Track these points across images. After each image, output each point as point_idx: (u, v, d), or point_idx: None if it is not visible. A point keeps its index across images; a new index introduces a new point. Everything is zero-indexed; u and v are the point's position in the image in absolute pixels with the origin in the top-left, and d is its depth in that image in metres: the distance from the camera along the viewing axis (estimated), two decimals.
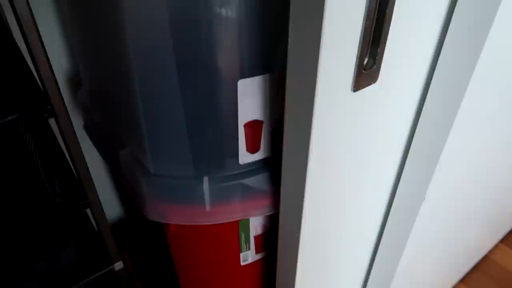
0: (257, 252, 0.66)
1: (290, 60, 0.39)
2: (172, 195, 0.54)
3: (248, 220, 0.60)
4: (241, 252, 0.64)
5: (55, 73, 0.72)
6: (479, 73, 0.47)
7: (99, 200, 0.46)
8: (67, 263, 0.49)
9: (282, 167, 0.48)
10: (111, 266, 0.50)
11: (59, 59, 0.73)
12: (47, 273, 0.48)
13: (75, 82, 0.75)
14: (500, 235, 1.42)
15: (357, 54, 0.38)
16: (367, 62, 0.40)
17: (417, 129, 0.57)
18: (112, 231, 1.02)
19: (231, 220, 0.57)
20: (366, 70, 0.40)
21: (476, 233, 1.15)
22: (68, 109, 0.77)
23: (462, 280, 1.28)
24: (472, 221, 1.03)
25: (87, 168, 0.44)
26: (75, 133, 0.42)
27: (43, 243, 0.48)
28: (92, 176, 0.88)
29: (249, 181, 0.54)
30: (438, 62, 0.49)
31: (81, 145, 0.77)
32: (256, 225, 0.62)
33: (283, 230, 0.55)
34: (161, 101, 0.48)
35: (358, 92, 0.42)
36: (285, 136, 0.44)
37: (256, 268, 0.69)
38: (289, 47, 0.38)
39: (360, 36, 0.37)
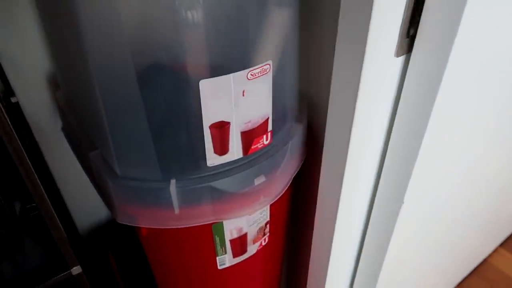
0: (235, 256, 0.65)
1: (341, 24, 0.45)
2: (140, 198, 0.53)
3: (221, 224, 0.59)
4: (217, 256, 0.63)
5: (36, 73, 0.72)
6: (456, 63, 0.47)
7: (48, 204, 0.46)
8: (23, 268, 0.49)
9: (326, 135, 0.55)
10: (68, 271, 0.50)
11: (42, 59, 0.73)
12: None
13: (55, 83, 0.75)
14: (500, 240, 1.38)
15: (402, 22, 0.44)
16: (409, 30, 0.46)
17: (396, 118, 0.56)
18: (100, 233, 1.02)
19: (201, 224, 0.56)
20: (408, 38, 0.46)
21: (473, 237, 1.12)
22: (49, 111, 0.77)
23: (460, 285, 1.26)
24: (466, 225, 1.01)
25: (32, 171, 0.43)
26: (14, 134, 0.42)
27: None
28: (80, 178, 0.88)
29: (219, 183, 0.53)
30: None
31: (62, 146, 0.77)
32: (231, 229, 0.61)
33: (321, 202, 0.63)
34: (122, 104, 0.47)
35: (399, 58, 0.48)
36: (331, 99, 0.50)
37: (235, 271, 0.68)
38: (340, 14, 0.44)
39: (406, 6, 0.43)
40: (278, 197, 0.60)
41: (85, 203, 0.96)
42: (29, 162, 0.42)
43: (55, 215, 0.46)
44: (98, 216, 1.01)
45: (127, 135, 0.49)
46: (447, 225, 0.87)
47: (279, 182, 0.59)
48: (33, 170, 0.42)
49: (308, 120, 0.65)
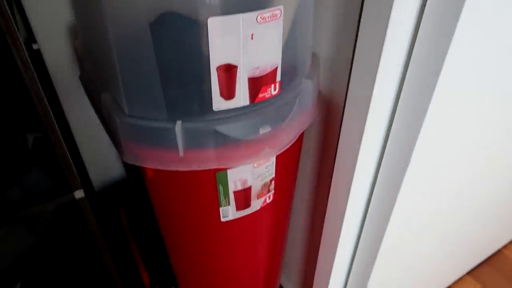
0: (238, 209, 0.66)
1: None
2: (146, 137, 0.54)
3: (225, 173, 0.60)
4: (221, 206, 0.64)
5: (58, 21, 0.74)
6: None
7: (54, 123, 0.46)
8: (28, 188, 0.51)
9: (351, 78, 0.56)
10: (71, 194, 0.51)
11: (64, 7, 0.74)
12: (4, 196, 0.49)
13: (76, 32, 0.76)
14: None
15: None
16: None
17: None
18: (113, 190, 1.05)
19: (205, 168, 0.56)
20: None
21: (487, 226, 1.09)
22: (69, 59, 0.79)
23: (470, 273, 1.23)
24: (481, 213, 0.98)
25: (40, 90, 0.44)
26: (26, 54, 0.43)
27: (5, 167, 0.49)
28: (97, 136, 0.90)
29: (224, 128, 0.54)
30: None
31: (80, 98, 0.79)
32: (235, 179, 0.62)
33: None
34: (132, 42, 0.48)
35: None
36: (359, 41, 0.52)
37: (238, 226, 0.69)
38: None
39: None
40: (283, 149, 0.60)
41: (99, 160, 0.99)
42: (40, 87, 0.43)
43: (59, 133, 0.47)
44: (111, 173, 1.03)
45: (136, 74, 0.51)
46: (454, 209, 0.85)
47: (285, 135, 0.59)
48: (43, 95, 0.43)
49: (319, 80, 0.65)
